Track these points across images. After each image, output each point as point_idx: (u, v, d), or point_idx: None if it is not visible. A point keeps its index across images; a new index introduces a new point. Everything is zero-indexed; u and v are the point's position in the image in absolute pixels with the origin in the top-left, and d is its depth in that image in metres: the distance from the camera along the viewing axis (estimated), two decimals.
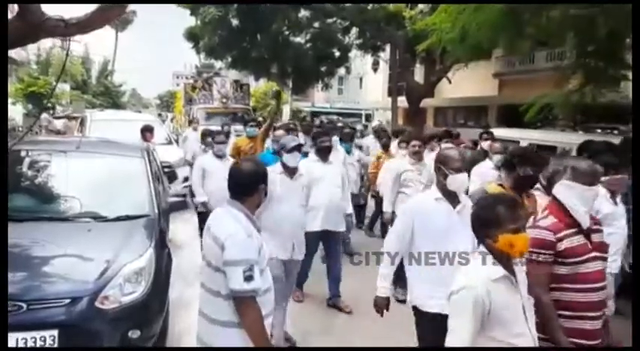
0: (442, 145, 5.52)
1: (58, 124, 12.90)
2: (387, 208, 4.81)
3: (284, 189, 3.48)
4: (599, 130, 7.68)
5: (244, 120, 9.19)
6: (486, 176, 4.61)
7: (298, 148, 3.56)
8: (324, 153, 4.41)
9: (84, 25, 3.24)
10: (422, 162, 4.82)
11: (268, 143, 6.15)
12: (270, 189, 3.17)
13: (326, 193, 4.21)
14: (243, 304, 1.99)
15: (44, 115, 13.47)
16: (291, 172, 3.56)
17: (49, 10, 3.18)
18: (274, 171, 3.44)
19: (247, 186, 2.15)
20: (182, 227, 6.20)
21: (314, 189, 3.87)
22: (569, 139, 6.32)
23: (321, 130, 5.48)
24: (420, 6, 13.34)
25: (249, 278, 1.95)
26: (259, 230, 2.18)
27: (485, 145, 5.86)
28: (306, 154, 5.00)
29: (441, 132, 5.94)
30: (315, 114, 26.15)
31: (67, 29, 3.20)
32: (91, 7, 3.28)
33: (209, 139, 6.46)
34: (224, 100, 14.78)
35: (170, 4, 16.11)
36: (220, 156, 5.27)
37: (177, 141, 10.29)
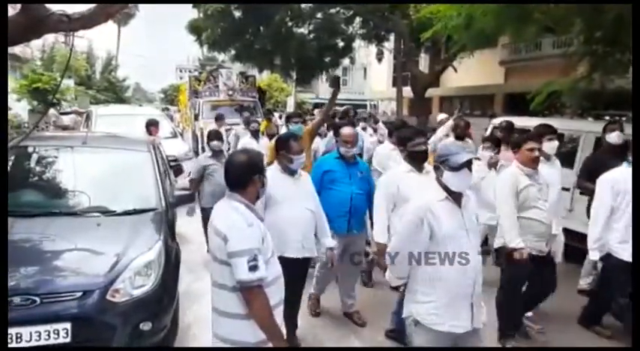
0: (544, 144, 3.75)
1: (66, 119, 12.99)
2: (512, 241, 3.24)
3: (452, 222, 2.34)
4: (607, 117, 7.60)
5: (287, 115, 7.68)
6: (616, 186, 3.42)
7: (469, 164, 2.36)
8: (419, 160, 3.26)
9: (87, 21, 3.25)
10: (537, 170, 3.39)
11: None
12: (429, 219, 2.30)
13: None
14: (250, 293, 2.01)
15: (51, 111, 13.54)
16: (457, 198, 2.39)
17: (52, 6, 3.18)
18: (437, 199, 2.37)
19: (241, 177, 2.15)
20: (189, 220, 6.22)
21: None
22: (578, 127, 6.26)
23: (413, 129, 3.93)
24: None
25: (253, 268, 1.97)
26: (262, 219, 2.16)
27: (611, 137, 4.38)
28: (359, 156, 4.26)
29: (541, 128, 4.03)
30: (319, 105, 26.08)
31: (70, 24, 3.21)
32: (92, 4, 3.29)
33: (215, 143, 5.29)
34: (230, 93, 14.70)
35: (172, 4, 16.05)
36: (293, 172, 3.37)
37: (182, 134, 10.32)
